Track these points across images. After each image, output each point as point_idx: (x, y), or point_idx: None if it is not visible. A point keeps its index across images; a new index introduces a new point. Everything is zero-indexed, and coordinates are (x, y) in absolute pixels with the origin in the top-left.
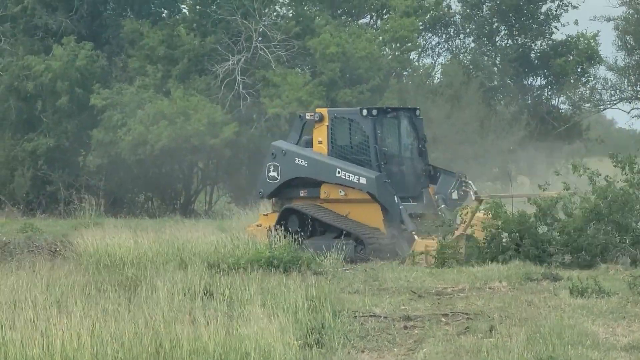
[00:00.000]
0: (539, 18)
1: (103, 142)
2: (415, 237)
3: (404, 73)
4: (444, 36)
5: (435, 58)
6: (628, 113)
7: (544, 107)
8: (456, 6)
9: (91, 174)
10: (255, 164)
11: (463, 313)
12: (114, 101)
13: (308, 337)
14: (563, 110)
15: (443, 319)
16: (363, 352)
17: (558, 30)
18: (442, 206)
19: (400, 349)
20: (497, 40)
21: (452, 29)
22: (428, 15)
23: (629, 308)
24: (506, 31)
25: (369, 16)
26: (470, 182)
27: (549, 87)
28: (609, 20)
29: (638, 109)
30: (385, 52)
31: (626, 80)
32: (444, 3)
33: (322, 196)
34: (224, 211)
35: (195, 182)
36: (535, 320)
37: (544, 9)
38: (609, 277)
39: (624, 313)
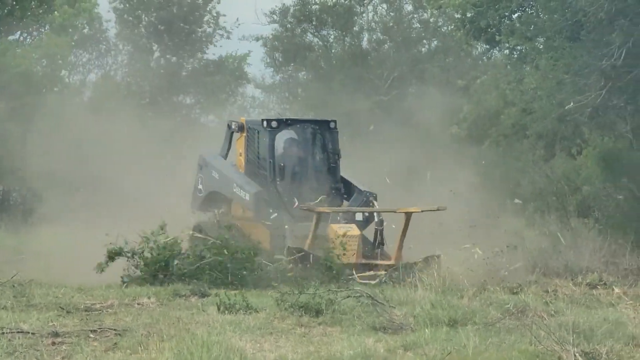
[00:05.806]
0: (193, 38)
1: None
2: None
3: (55, 89)
4: (94, 53)
5: (85, 75)
6: None
7: (195, 126)
8: (108, 23)
9: None
10: None
11: (112, 329)
12: None
13: None
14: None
15: (92, 335)
16: None
17: (208, 49)
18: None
19: None
20: (151, 58)
21: (103, 46)
22: (77, 34)
23: (275, 324)
24: (160, 49)
25: (18, 33)
26: (376, 203)
27: (199, 105)
28: (258, 39)
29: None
30: (38, 69)
31: (274, 97)
32: (96, 22)
33: (233, 212)
34: None
35: None
36: (183, 336)
37: (199, 32)
38: (257, 293)
39: (271, 329)
